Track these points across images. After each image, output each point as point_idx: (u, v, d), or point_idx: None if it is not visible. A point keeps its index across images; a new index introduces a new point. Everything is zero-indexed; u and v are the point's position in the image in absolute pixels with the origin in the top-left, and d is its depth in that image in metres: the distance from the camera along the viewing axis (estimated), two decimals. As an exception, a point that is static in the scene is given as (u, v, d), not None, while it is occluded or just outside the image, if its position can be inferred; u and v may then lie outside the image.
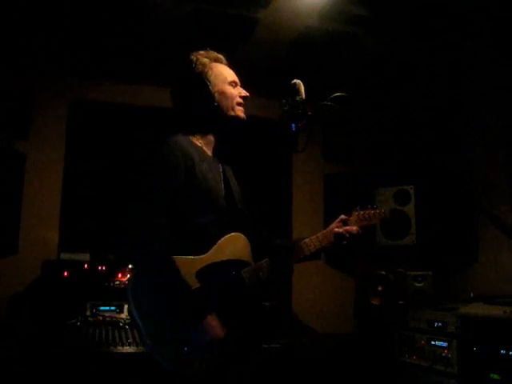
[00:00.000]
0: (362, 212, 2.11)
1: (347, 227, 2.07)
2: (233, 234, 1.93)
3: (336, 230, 2.06)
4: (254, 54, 3.85)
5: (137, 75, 4.22)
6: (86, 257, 3.61)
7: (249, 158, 4.27)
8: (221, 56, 2.10)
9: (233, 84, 2.04)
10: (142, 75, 4.22)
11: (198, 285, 1.79)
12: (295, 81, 1.93)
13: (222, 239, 1.91)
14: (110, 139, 4.25)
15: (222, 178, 2.04)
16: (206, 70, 2.01)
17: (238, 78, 2.10)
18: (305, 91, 1.92)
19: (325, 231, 2.08)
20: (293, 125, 1.89)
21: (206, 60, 2.04)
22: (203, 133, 2.04)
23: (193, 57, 2.04)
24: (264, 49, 3.80)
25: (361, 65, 3.98)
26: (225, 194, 2.01)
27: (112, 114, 4.30)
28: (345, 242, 2.06)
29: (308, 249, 2.03)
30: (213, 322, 1.75)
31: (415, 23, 3.40)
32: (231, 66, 2.11)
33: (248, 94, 2.06)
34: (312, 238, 2.06)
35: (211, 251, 1.88)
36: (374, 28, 3.48)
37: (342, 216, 2.11)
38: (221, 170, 2.07)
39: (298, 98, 1.90)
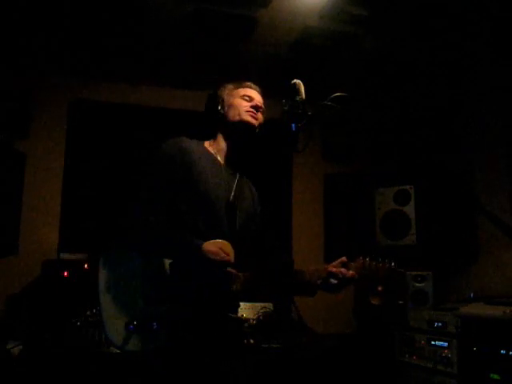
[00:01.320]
0: (368, 261, 1.96)
1: (342, 269, 1.93)
2: (222, 240, 1.88)
3: (330, 268, 1.94)
4: (254, 54, 3.85)
5: (137, 75, 4.21)
6: (86, 257, 3.61)
7: (248, 158, 4.27)
8: (248, 83, 2.16)
9: (245, 98, 2.08)
10: (141, 75, 4.21)
11: (167, 273, 1.81)
12: (295, 81, 1.93)
13: (209, 242, 1.85)
14: (110, 139, 4.24)
15: (232, 188, 2.04)
16: (222, 89, 2.14)
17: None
18: (305, 91, 1.91)
19: (320, 268, 1.97)
20: (293, 125, 1.88)
21: (229, 86, 2.15)
22: (216, 139, 2.10)
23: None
24: (264, 49, 3.80)
25: (361, 65, 3.98)
26: (227, 203, 1.99)
27: (112, 113, 4.30)
28: (334, 282, 1.92)
29: (303, 276, 1.96)
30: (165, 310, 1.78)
31: (415, 23, 3.40)
32: (258, 89, 2.16)
33: (260, 104, 2.08)
34: (304, 270, 1.98)
35: None
36: (373, 28, 3.48)
37: (343, 258, 1.98)
38: (236, 180, 2.08)
39: (298, 98, 1.89)
